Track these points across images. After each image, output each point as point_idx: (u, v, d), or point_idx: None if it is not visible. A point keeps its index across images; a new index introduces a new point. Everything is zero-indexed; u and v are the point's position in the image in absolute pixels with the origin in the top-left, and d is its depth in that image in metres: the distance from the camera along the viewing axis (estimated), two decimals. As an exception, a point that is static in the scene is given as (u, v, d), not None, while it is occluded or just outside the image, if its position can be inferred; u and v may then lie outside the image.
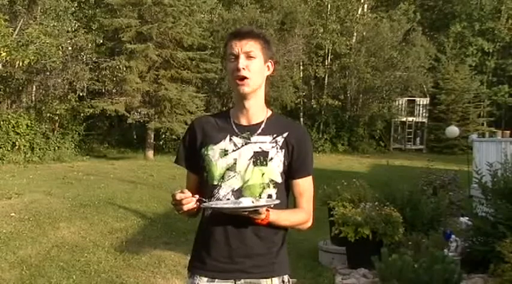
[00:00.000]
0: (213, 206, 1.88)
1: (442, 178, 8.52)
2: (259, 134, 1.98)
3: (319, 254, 6.34)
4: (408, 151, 24.68)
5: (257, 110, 2.02)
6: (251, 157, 1.94)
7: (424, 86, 25.44)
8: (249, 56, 1.95)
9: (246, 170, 1.94)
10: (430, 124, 26.08)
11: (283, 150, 1.97)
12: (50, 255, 6.15)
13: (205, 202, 1.90)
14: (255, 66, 1.96)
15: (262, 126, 2.00)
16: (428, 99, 26.55)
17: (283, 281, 2.01)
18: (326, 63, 24.43)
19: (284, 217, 1.95)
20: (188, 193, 1.87)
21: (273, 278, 1.98)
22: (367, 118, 23.79)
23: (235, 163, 1.94)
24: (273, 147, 1.97)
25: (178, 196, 1.86)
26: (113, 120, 21.22)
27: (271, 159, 1.95)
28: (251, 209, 1.84)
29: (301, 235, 7.54)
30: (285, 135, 1.99)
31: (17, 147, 15.38)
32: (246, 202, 1.85)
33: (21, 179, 11.33)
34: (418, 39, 24.60)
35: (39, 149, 16.03)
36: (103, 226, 7.62)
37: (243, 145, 1.96)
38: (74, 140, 17.63)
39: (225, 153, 1.96)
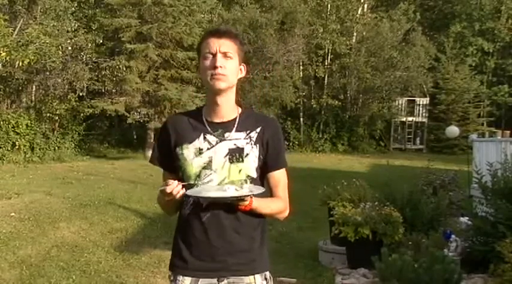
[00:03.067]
0: (200, 196, 1.88)
1: (442, 178, 8.52)
2: (232, 131, 1.98)
3: (319, 254, 6.34)
4: (408, 151, 24.67)
5: (229, 108, 2.01)
6: (226, 155, 1.95)
7: (424, 86, 25.43)
8: (226, 56, 1.95)
9: (223, 167, 1.95)
10: (430, 124, 26.07)
11: (258, 145, 1.99)
12: (50, 255, 6.15)
13: (189, 186, 1.91)
14: (231, 66, 1.96)
15: (235, 122, 2.00)
16: (428, 99, 26.54)
17: (265, 278, 2.02)
18: (326, 63, 24.42)
19: (265, 205, 1.98)
20: (173, 182, 1.88)
21: (256, 275, 1.99)
22: (367, 118, 23.78)
23: (210, 161, 1.95)
24: (247, 143, 1.98)
25: (169, 188, 1.86)
26: (113, 120, 21.21)
27: (247, 154, 1.96)
28: (237, 197, 1.85)
29: (301, 235, 7.57)
30: (258, 130, 2.00)
31: (17, 147, 15.38)
32: (230, 189, 1.86)
33: (21, 179, 11.33)
34: (418, 39, 24.58)
35: (39, 149, 16.02)
36: (103, 226, 7.62)
37: (217, 143, 1.97)
38: (74, 140, 17.63)
39: (199, 151, 1.96)
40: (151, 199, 9.56)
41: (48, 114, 16.55)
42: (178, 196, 1.88)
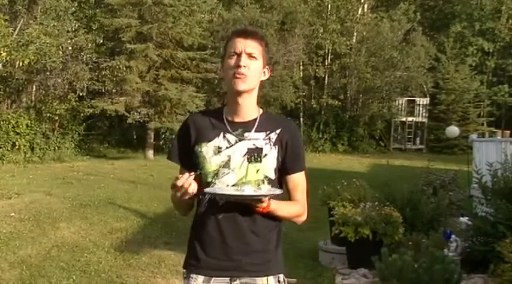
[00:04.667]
0: (218, 193, 1.87)
1: (442, 178, 8.52)
2: (252, 131, 1.98)
3: (319, 254, 6.34)
4: (408, 151, 24.66)
5: (250, 108, 2.01)
6: (245, 154, 1.95)
7: (424, 86, 25.43)
8: (250, 56, 1.95)
9: (241, 167, 1.94)
10: (430, 124, 26.07)
11: (277, 146, 1.98)
12: (50, 255, 6.15)
13: (199, 174, 1.90)
14: (255, 67, 1.96)
15: (255, 123, 2.00)
16: (428, 99, 26.54)
17: (278, 281, 2.01)
18: (326, 63, 24.42)
19: (283, 208, 1.97)
20: (184, 175, 1.86)
21: (269, 277, 1.98)
22: (367, 118, 23.78)
23: (229, 160, 1.95)
24: (266, 143, 1.97)
25: (180, 181, 1.84)
26: (113, 120, 21.21)
27: (266, 155, 1.96)
28: (256, 197, 1.85)
29: (301, 235, 7.56)
30: (277, 131, 2.00)
31: (17, 147, 15.39)
32: (247, 190, 1.86)
33: (21, 179, 11.33)
34: (418, 39, 24.58)
35: (39, 149, 16.03)
36: (103, 226, 7.62)
37: (236, 142, 1.96)
38: (74, 140, 17.64)
39: (218, 150, 1.96)
40: (151, 199, 9.57)
41: (48, 114, 16.56)
42: (190, 189, 1.85)
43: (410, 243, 5.28)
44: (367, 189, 6.48)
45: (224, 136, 1.97)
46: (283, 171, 2.01)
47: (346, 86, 24.35)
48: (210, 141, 1.97)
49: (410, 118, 26.32)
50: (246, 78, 1.94)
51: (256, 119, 2.00)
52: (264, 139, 1.97)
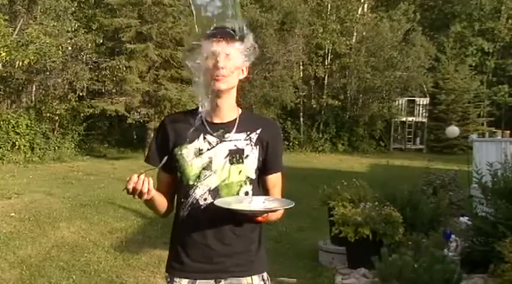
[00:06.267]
0: (231, 208, 1.84)
1: (442, 178, 8.52)
2: (232, 132, 1.97)
3: (319, 254, 6.34)
4: (408, 151, 24.67)
5: (229, 108, 1.99)
6: (227, 156, 1.94)
7: (424, 86, 25.44)
8: (228, 57, 1.92)
9: (223, 168, 1.94)
10: (430, 124, 26.07)
11: (258, 147, 1.98)
12: (50, 255, 6.15)
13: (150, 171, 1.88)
14: (233, 66, 1.93)
15: (235, 123, 1.98)
16: (428, 99, 26.54)
17: (263, 279, 2.02)
18: (326, 63, 24.43)
19: (275, 213, 1.97)
20: (133, 177, 1.83)
21: (253, 276, 1.99)
22: (367, 118, 23.78)
23: (210, 162, 1.94)
24: (247, 144, 1.97)
25: (130, 184, 1.83)
26: (113, 120, 21.21)
27: (247, 156, 1.96)
28: (270, 210, 1.86)
29: (301, 235, 7.56)
30: (258, 131, 1.99)
31: (17, 147, 15.38)
32: (257, 202, 1.86)
33: (21, 179, 11.33)
34: (418, 39, 24.59)
35: (39, 149, 16.02)
36: (103, 226, 7.62)
37: (217, 144, 1.95)
38: (74, 140, 17.63)
39: (199, 152, 1.95)
40: (151, 199, 9.56)
41: (48, 114, 16.56)
42: (144, 189, 1.84)
43: (410, 243, 5.28)
44: (367, 189, 6.48)
45: (204, 138, 1.95)
46: (263, 170, 2.01)
47: (346, 86, 24.35)
48: (190, 142, 1.95)
49: (410, 118, 26.33)
50: (225, 79, 1.91)
51: (236, 119, 1.99)
52: (244, 140, 1.97)
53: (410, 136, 26.28)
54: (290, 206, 1.87)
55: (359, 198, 6.24)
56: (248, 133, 1.98)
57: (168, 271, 2.06)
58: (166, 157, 1.92)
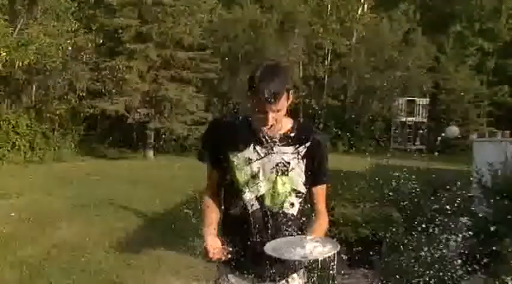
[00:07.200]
0: (284, 258, 1.92)
1: (442, 178, 8.51)
2: (281, 145, 2.05)
3: (319, 254, 6.32)
4: (408, 151, 24.64)
5: (280, 121, 2.05)
6: (274, 167, 2.03)
7: (424, 86, 25.42)
8: (278, 110, 1.98)
9: (269, 179, 2.03)
10: (430, 124, 26.05)
11: (305, 160, 2.07)
12: (50, 255, 6.15)
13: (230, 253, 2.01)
14: (281, 112, 2.01)
15: (285, 136, 2.06)
16: (428, 99, 26.52)
17: (303, 273, 2.20)
18: (326, 63, 24.43)
19: (321, 234, 2.08)
20: (212, 248, 1.98)
21: (293, 275, 2.14)
22: (367, 118, 23.77)
23: (258, 172, 2.03)
24: (294, 157, 2.05)
25: (211, 253, 1.97)
26: (113, 120, 21.21)
27: (293, 169, 2.04)
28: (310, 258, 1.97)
29: (301, 235, 7.55)
30: (307, 144, 2.08)
31: (17, 147, 15.38)
32: (313, 249, 1.95)
33: (21, 179, 11.33)
34: (418, 39, 24.59)
35: (39, 149, 16.02)
36: (103, 226, 7.61)
37: (266, 155, 2.04)
38: (74, 140, 17.64)
39: (249, 161, 2.04)
40: (151, 199, 9.55)
41: (48, 114, 16.57)
42: (215, 258, 1.99)
43: (410, 243, 5.27)
44: (367, 189, 6.47)
45: (254, 148, 2.04)
46: (310, 183, 2.09)
47: (346, 86, 24.34)
48: (241, 151, 2.04)
49: (410, 118, 26.30)
50: (275, 121, 1.99)
51: (285, 132, 2.07)
52: (292, 153, 2.05)
53: (410, 136, 26.25)
54: (337, 250, 1.99)
55: (359, 198, 6.24)
56: (297, 146, 2.07)
57: (218, 268, 2.15)
58: (230, 251, 2.02)
